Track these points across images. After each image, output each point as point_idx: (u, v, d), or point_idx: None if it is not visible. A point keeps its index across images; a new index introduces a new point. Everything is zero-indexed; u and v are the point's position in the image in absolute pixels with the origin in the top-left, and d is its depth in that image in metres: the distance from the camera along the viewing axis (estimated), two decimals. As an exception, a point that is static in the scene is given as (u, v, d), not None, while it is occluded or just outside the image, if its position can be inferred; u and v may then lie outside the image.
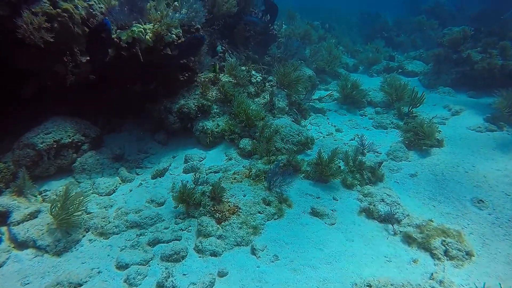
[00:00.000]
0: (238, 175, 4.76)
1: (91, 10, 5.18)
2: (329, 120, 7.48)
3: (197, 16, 6.04)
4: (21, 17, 4.29)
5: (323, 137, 6.44)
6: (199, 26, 6.90)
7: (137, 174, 5.35)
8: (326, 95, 8.36)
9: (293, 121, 6.49)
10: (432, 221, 4.07)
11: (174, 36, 5.55)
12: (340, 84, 8.36)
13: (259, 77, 6.92)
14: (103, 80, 5.62)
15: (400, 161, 5.57)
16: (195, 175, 4.92)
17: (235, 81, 6.59)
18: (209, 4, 7.34)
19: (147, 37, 5.13)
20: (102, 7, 5.29)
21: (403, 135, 6.00)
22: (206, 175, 5.04)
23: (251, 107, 5.95)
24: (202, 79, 6.60)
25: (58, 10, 4.65)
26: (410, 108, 6.94)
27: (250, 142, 5.56)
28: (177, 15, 5.40)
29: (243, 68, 7.00)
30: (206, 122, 6.04)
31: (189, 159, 5.51)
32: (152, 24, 5.34)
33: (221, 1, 7.13)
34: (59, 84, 5.06)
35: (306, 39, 10.80)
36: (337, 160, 4.95)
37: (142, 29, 5.07)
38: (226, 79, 6.71)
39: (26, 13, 4.34)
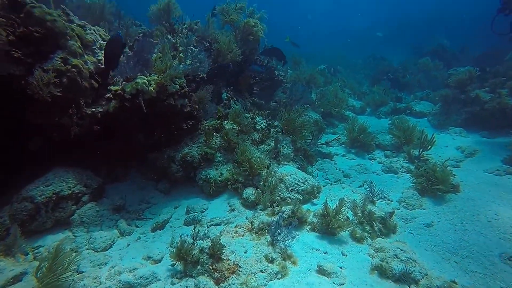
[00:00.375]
0: (240, 228, 4.50)
1: (99, 64, 5.43)
2: (336, 165, 7.26)
3: (201, 67, 6.22)
4: (33, 75, 4.48)
5: (331, 184, 6.18)
6: (204, 75, 7.13)
7: (137, 227, 5.15)
8: (333, 140, 8.23)
9: (299, 168, 6.31)
10: (455, 282, 3.63)
11: (178, 86, 5.69)
12: (347, 127, 8.26)
13: (263, 123, 6.91)
14: (107, 130, 5.70)
15: (414, 209, 5.21)
16: (195, 228, 4.69)
17: (239, 128, 6.58)
18: (214, 53, 7.64)
19: (151, 88, 5.25)
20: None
21: (415, 180, 5.69)
22: (208, 227, 4.80)
23: (254, 155, 5.85)
24: (206, 127, 6.63)
25: (68, 66, 4.86)
26: (421, 151, 6.69)
27: (253, 191, 5.36)
28: (181, 66, 5.57)
29: (248, 115, 7.04)
30: (209, 171, 5.93)
31: (190, 210, 5.31)
32: (157, 76, 5.51)
33: (225, 51, 7.40)
34: (65, 135, 5.14)
35: (312, 83, 10.99)
36: (345, 210, 4.66)
37: (146, 81, 5.22)
38: (230, 126, 6.72)
39: (37, 71, 4.55)
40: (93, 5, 7.24)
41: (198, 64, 6.06)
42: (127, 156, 6.52)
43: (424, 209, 5.20)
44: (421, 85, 14.35)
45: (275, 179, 5.47)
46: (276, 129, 7.08)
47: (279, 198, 5.24)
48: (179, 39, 7.28)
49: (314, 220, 4.65)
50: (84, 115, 5.24)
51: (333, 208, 4.48)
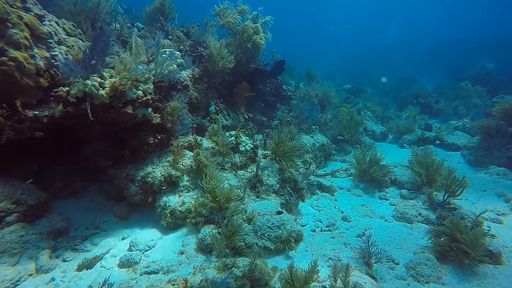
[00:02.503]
0: (172, 286, 3.30)
1: (53, 61, 4.63)
2: (337, 202, 5.87)
3: (172, 73, 5.24)
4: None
5: (321, 229, 4.81)
6: (188, 83, 6.17)
7: (64, 261, 4.12)
8: (338, 170, 6.85)
9: (283, 204, 5.03)
10: None
11: (140, 92, 4.73)
12: (356, 155, 6.85)
13: (249, 144, 5.75)
14: (56, 138, 4.85)
15: (427, 283, 3.71)
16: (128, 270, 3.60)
17: (218, 148, 5.47)
18: (205, 59, 6.70)
19: (102, 92, 4.32)
20: (69, 58, 4.71)
21: (433, 240, 4.19)
22: (140, 275, 3.66)
23: (224, 184, 4.69)
24: (180, 144, 5.60)
25: (3, 58, 4.07)
26: (446, 196, 5.14)
27: (213, 232, 4.17)
28: (140, 67, 4.61)
29: (232, 133, 5.92)
30: (171, 198, 4.86)
31: (133, 246, 4.22)
32: (118, 78, 4.60)
33: (215, 57, 6.42)
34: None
35: (326, 102, 9.71)
36: (322, 275, 3.32)
37: (96, 83, 4.30)
38: (208, 145, 5.64)
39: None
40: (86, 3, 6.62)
41: (166, 69, 5.07)
42: (87, 170, 5.64)
43: (443, 284, 3.69)
44: (457, 113, 12.49)
45: (243, 217, 4.25)
46: (265, 152, 5.89)
47: (243, 244, 4.00)
48: (167, 42, 6.44)
49: (278, 286, 3.34)
50: (23, 118, 4.40)
51: (303, 273, 3.16)
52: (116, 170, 5.28)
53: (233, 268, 3.46)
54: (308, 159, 6.22)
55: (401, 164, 7.22)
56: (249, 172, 5.32)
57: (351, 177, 6.97)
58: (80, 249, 4.36)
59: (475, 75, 15.20)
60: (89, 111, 4.27)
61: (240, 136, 5.82)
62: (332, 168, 7.48)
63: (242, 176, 5.28)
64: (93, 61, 4.42)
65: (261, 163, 5.55)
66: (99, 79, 4.40)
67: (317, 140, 7.86)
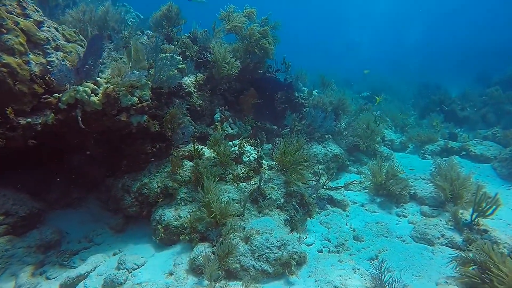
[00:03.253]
0: (153, 315, 2.94)
1: (49, 67, 4.49)
2: (348, 219, 5.35)
3: (172, 78, 4.99)
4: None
5: (328, 250, 4.31)
6: (191, 90, 5.91)
7: (47, 279, 3.86)
8: (351, 183, 6.32)
9: (287, 220, 4.59)
10: None
11: (136, 99, 4.48)
12: (371, 167, 6.30)
13: (253, 155, 5.37)
14: (48, 146, 4.68)
15: (453, 322, 3.14)
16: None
17: (219, 159, 5.13)
18: (211, 65, 6.43)
19: (94, 98, 4.11)
20: (65, 64, 4.55)
21: (460, 269, 3.60)
22: (121, 300, 3.33)
23: (222, 198, 4.32)
24: (180, 153, 5.31)
25: (-5, 65, 3.95)
26: (475, 216, 4.50)
27: (206, 251, 3.79)
28: (136, 72, 4.37)
29: (236, 142, 5.57)
30: (166, 211, 4.55)
31: (121, 264, 3.90)
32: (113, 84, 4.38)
33: (220, 63, 6.13)
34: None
35: (341, 110, 9.19)
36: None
37: (88, 89, 4.09)
38: (210, 155, 5.31)
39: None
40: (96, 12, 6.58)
41: (164, 74, 4.82)
42: (86, 179, 5.46)
43: (470, 324, 3.11)
44: (486, 121, 11.55)
45: (240, 236, 3.85)
46: (271, 163, 5.48)
47: (238, 266, 3.59)
48: (169, 47, 6.23)
49: (272, 320, 2.90)
50: (15, 126, 4.24)
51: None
52: (113, 180, 5.05)
53: (223, 295, 3.06)
54: (318, 171, 5.74)
55: (421, 177, 6.58)
56: (252, 185, 4.92)
57: (366, 190, 6.41)
58: (68, 265, 4.10)
59: (507, 79, 14.12)
60: (80, 118, 4.05)
61: (244, 145, 5.46)
62: (346, 180, 6.94)
63: (244, 189, 4.89)
64: (87, 67, 4.23)
65: (266, 175, 5.15)
66: (92, 85, 4.19)
67: (329, 150, 7.36)
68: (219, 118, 6.36)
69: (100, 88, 4.29)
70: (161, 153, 5.20)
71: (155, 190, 4.70)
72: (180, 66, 5.43)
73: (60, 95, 4.26)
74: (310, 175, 5.84)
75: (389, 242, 4.56)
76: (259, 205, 4.59)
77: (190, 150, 5.40)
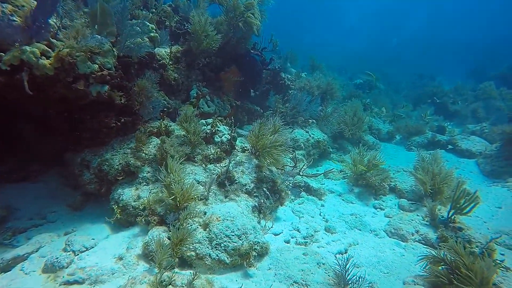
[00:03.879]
0: (88, 305, 2.65)
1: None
2: (323, 209, 5.11)
3: (143, 46, 4.53)
4: None
5: (296, 241, 4.07)
6: (165, 62, 5.46)
7: (-18, 259, 3.52)
8: (330, 171, 6.05)
9: (255, 207, 4.30)
10: None
11: (96, 66, 4.03)
12: (353, 156, 6.03)
13: (226, 135, 5.02)
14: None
15: (415, 324, 2.94)
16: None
17: (189, 137, 4.77)
18: (190, 37, 5.94)
19: (44, 62, 3.65)
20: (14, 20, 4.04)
21: (429, 268, 3.39)
22: (58, 285, 3.03)
23: (187, 179, 3.99)
24: (149, 129, 4.93)
25: None
26: (452, 212, 4.29)
27: (161, 236, 3.49)
28: (98, 37, 3.91)
29: (209, 120, 5.20)
30: (126, 190, 4.20)
31: (68, 245, 3.59)
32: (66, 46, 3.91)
33: (199, 34, 5.65)
34: None
35: (329, 94, 8.83)
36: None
37: (37, 50, 3.62)
38: (180, 133, 4.94)
39: None
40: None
41: (132, 43, 4.36)
42: (45, 151, 5.06)
43: (433, 328, 2.91)
44: (476, 116, 11.34)
45: (200, 222, 3.56)
46: (245, 145, 5.15)
47: (193, 254, 3.31)
48: (144, 13, 5.71)
49: (219, 316, 2.65)
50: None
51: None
52: (73, 154, 4.66)
53: (169, 286, 2.78)
54: (295, 156, 5.44)
55: (404, 169, 6.36)
56: (222, 167, 4.60)
57: (346, 180, 6.16)
58: (10, 244, 3.76)
59: (501, 75, 13.91)
60: (26, 83, 3.61)
61: (217, 124, 5.09)
62: (326, 168, 6.68)
63: (212, 171, 4.57)
64: (37, 24, 3.74)
65: (238, 158, 4.82)
66: (43, 47, 3.72)
67: (312, 135, 7.05)
68: (195, 95, 5.94)
69: (45, 49, 3.81)
70: (127, 128, 4.79)
71: (116, 167, 4.34)
72: (152, 34, 4.95)
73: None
74: (290, 160, 5.56)
75: (361, 236, 4.34)
76: (226, 190, 4.29)
77: (159, 126, 5.02)
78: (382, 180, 5.59)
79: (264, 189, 4.60)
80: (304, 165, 6.10)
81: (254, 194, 4.48)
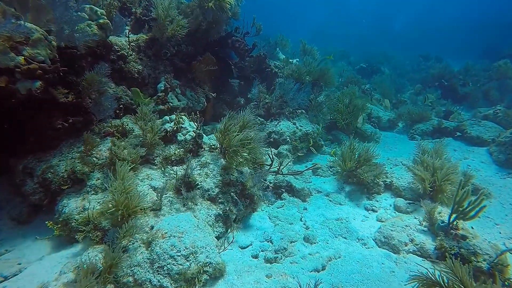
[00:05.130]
0: None
1: None
2: (305, 213, 4.46)
3: (88, 34, 3.92)
4: None
5: (264, 256, 3.44)
6: (125, 53, 4.85)
7: None
8: (313, 167, 5.38)
9: (218, 216, 3.69)
10: None
11: (21, 59, 3.44)
12: (343, 149, 5.32)
13: (190, 133, 4.40)
14: None
15: None
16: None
17: (145, 137, 4.17)
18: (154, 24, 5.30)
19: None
20: None
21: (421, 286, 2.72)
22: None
23: (134, 186, 3.40)
24: (105, 129, 4.36)
25: None
26: (454, 217, 3.56)
27: (99, 257, 2.93)
28: (27, 24, 3.32)
29: (172, 117, 4.58)
30: (72, 201, 3.65)
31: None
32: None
33: (163, 19, 5.00)
34: None
35: (322, 81, 8.06)
36: None
37: None
38: (140, 132, 4.34)
39: None
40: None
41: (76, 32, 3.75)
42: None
43: None
44: (489, 98, 10.35)
45: (143, 238, 2.98)
46: (213, 144, 4.51)
47: (131, 280, 2.74)
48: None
49: None
50: None
51: None
52: (15, 160, 4.14)
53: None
54: (270, 155, 4.78)
55: (403, 162, 5.63)
56: (182, 171, 3.99)
57: (336, 176, 5.48)
58: None
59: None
60: None
61: (181, 121, 4.47)
62: (316, 163, 5.99)
63: (173, 175, 3.97)
64: None
65: (203, 158, 4.21)
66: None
67: (299, 127, 6.36)
68: (162, 88, 5.32)
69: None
70: (78, 129, 4.23)
71: (61, 174, 3.79)
72: (101, 21, 4.31)
73: None
74: (268, 158, 4.91)
75: (346, 246, 3.69)
76: (184, 197, 3.68)
77: (117, 125, 4.44)
78: (375, 177, 4.88)
79: (232, 193, 3.97)
80: (289, 162, 5.45)
81: (219, 201, 3.86)
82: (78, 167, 3.82)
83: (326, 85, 8.14)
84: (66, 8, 3.94)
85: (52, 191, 3.84)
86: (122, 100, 4.83)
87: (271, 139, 6.22)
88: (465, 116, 8.77)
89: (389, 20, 45.09)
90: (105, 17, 4.43)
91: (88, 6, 4.27)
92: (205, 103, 5.91)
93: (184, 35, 5.32)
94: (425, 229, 3.77)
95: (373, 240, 3.81)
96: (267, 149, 5.79)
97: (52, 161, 3.96)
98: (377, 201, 4.77)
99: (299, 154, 6.02)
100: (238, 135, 3.96)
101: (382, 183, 5.01)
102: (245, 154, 4.04)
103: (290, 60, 8.60)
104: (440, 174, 4.29)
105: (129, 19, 5.82)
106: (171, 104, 5.34)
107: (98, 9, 4.35)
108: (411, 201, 4.54)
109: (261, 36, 9.51)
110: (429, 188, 4.30)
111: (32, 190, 3.89)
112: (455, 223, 3.50)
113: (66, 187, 3.80)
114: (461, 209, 3.44)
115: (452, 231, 3.48)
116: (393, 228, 3.77)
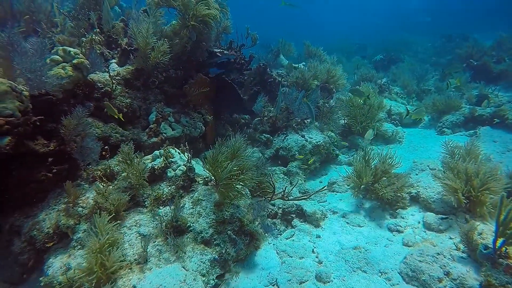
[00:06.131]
0: None
1: None
2: (319, 241, 3.89)
3: (56, 78, 3.72)
4: None
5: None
6: (109, 89, 4.65)
7: None
8: (321, 190, 4.74)
9: (214, 261, 3.24)
10: None
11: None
12: (355, 162, 4.68)
13: (182, 167, 4.02)
14: None
15: None
16: None
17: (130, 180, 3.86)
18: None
19: None
20: None
21: None
22: None
23: (110, 242, 3.06)
24: (95, 173, 4.12)
25: None
26: (500, 242, 2.82)
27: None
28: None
29: (161, 151, 4.23)
30: (58, 259, 3.41)
31: None
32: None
33: (143, 48, 4.74)
34: None
35: (332, 83, 7.44)
36: None
37: None
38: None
39: None
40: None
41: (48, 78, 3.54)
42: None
43: None
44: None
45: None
46: (206, 175, 4.10)
47: None
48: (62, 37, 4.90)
49: None
50: None
51: None
52: (3, 218, 3.99)
53: None
54: (271, 181, 4.26)
55: (430, 166, 4.86)
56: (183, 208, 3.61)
57: (355, 190, 4.83)
58: None
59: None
60: None
61: (171, 155, 4.11)
62: (331, 177, 5.39)
63: (163, 217, 3.60)
64: None
65: (196, 194, 3.81)
66: None
67: (309, 139, 5.79)
68: (154, 118, 5.03)
69: None
70: (63, 177, 4.01)
71: (46, 230, 3.56)
72: (75, 61, 4.11)
73: None
74: (279, 180, 4.42)
75: (366, 283, 3.08)
76: (174, 244, 3.28)
77: (105, 167, 4.18)
78: (398, 190, 4.19)
79: (229, 232, 3.51)
80: (299, 180, 4.91)
81: (215, 242, 3.42)
82: (62, 221, 3.57)
83: (336, 88, 7.50)
84: (36, 56, 3.76)
85: (38, 249, 3.63)
86: (112, 138, 4.60)
87: (280, 155, 5.72)
88: (504, 98, 7.66)
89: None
90: (80, 56, 4.22)
91: (61, 48, 4.09)
92: (203, 127, 5.55)
93: (170, 59, 5.03)
94: (463, 255, 3.06)
95: (399, 273, 3.16)
96: (273, 168, 5.31)
97: (39, 216, 3.75)
98: (403, 218, 4.08)
99: (310, 168, 5.45)
100: (228, 165, 3.52)
101: (407, 195, 4.31)
102: (238, 186, 3.58)
103: (294, 65, 8.06)
104: (476, 181, 3.54)
105: (116, 51, 5.65)
106: (165, 135, 5.03)
107: (71, 49, 4.16)
108: (443, 216, 3.81)
109: (262, 45, 9.12)
110: (464, 201, 3.56)
111: (19, 250, 3.69)
112: (503, 249, 2.77)
113: (52, 244, 3.56)
114: (509, 231, 2.71)
115: (501, 259, 2.75)
116: (421, 257, 3.10)
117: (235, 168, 3.60)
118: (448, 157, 4.32)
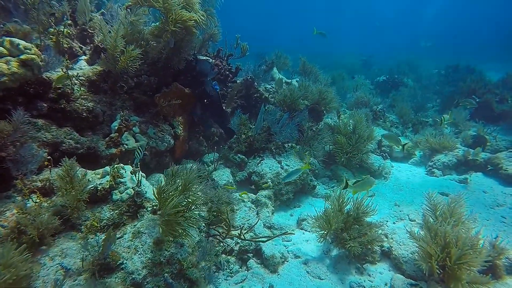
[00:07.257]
0: None
1: None
2: (268, 294, 3.44)
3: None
4: None
5: None
6: (68, 90, 4.22)
7: None
8: (282, 234, 4.31)
9: (138, 312, 2.80)
10: None
11: None
12: (332, 201, 4.24)
13: (130, 189, 3.58)
14: None
15: None
16: None
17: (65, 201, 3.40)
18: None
19: None
20: None
21: None
22: None
23: (17, 282, 2.61)
24: (33, 184, 3.67)
25: None
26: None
27: None
28: None
29: (107, 169, 3.79)
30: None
31: None
32: None
33: (112, 50, 4.30)
34: None
35: (323, 105, 7.01)
36: None
37: None
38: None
39: None
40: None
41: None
42: None
43: None
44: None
45: None
46: (153, 203, 3.65)
47: None
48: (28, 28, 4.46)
49: None
50: None
51: None
52: None
53: None
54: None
55: (410, 216, 4.42)
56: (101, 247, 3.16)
57: (321, 234, 4.38)
58: None
59: None
60: None
61: (120, 175, 3.67)
62: (302, 211, 4.95)
63: (95, 247, 3.16)
64: None
65: (138, 225, 3.37)
66: None
67: (286, 167, 5.36)
68: (116, 127, 4.59)
69: None
70: (-3, 187, 3.57)
71: (-40, 248, 3.10)
72: (23, 56, 3.65)
73: None
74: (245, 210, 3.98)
75: None
76: (98, 284, 2.83)
77: (45, 179, 3.73)
78: (368, 243, 3.75)
79: (166, 275, 3.07)
80: (266, 212, 4.48)
81: (147, 286, 2.98)
82: (-24, 242, 3.12)
83: (326, 111, 7.07)
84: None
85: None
86: (64, 144, 4.16)
87: (252, 180, 5.28)
88: (501, 142, 7.23)
89: (418, 18, 42.63)
90: (32, 52, 3.77)
91: (7, 39, 3.64)
92: (171, 141, 5.11)
93: (144, 64, 4.61)
94: None
95: None
96: (242, 196, 4.86)
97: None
98: (369, 276, 3.65)
99: (282, 199, 5.02)
100: (174, 199, 3.08)
101: (378, 249, 3.87)
102: (185, 224, 3.14)
103: (287, 80, 7.63)
104: (454, 251, 3.10)
105: (89, 48, 5.23)
106: (126, 147, 4.59)
107: (21, 42, 3.71)
108: (413, 282, 3.37)
109: (258, 54, 8.71)
110: (437, 271, 3.13)
111: None
112: None
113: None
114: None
115: None
116: None
117: (184, 203, 3.17)
118: (430, 212, 3.88)
